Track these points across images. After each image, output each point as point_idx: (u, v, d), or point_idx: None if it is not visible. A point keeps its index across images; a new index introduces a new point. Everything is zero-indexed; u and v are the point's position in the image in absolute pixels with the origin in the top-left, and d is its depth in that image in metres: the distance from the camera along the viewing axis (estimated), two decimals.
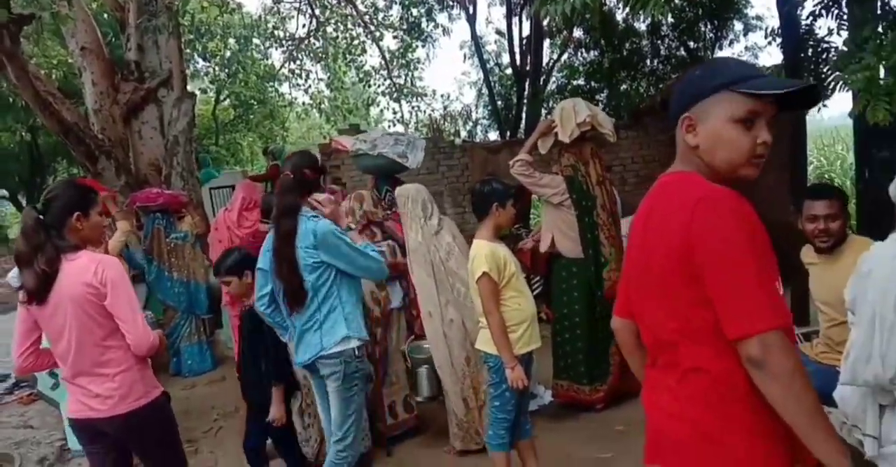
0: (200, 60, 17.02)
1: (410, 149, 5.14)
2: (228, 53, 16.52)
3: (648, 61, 11.95)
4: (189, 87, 8.62)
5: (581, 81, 12.25)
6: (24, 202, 22.70)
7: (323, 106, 17.09)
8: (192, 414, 5.32)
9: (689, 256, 1.50)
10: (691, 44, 11.55)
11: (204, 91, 18.33)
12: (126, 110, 7.73)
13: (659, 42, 11.62)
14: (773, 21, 9.13)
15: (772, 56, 20.00)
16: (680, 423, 1.60)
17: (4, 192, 23.95)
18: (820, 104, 7.36)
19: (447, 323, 4.03)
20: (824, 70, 6.43)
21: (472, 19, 12.76)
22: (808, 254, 3.39)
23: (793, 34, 6.48)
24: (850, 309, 2.30)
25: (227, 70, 17.00)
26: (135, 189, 7.02)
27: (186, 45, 12.72)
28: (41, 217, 2.59)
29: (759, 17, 11.63)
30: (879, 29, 5.40)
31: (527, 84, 12.17)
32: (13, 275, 4.79)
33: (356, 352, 3.06)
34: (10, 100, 13.86)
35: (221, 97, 18.76)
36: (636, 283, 1.75)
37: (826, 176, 13.95)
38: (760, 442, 1.51)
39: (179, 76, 8.05)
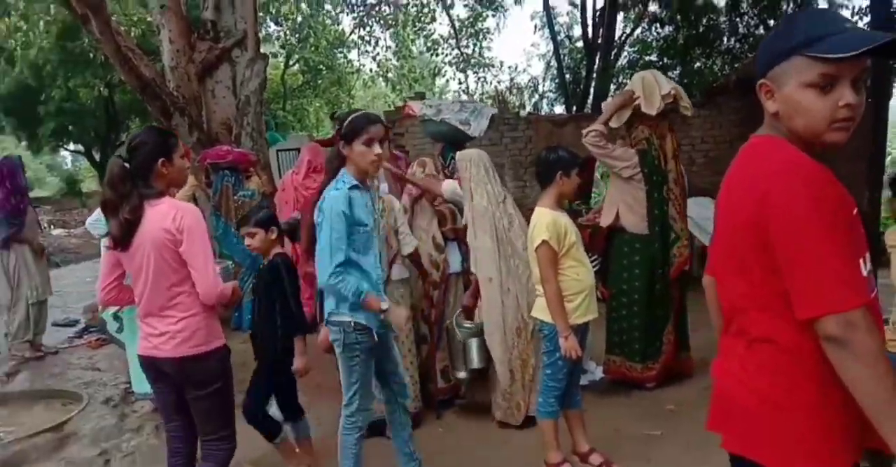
0: (272, 24, 17.23)
1: (475, 117, 5.15)
2: (300, 18, 16.66)
3: (725, 39, 11.60)
4: (261, 50, 8.73)
5: (654, 57, 11.99)
6: (97, 158, 23.47)
7: (389, 74, 17.14)
8: (249, 365, 5.47)
9: (763, 224, 1.45)
10: (771, 22, 11.14)
11: (274, 55, 18.54)
12: (201, 69, 7.88)
13: (738, 19, 11.25)
14: (862, 0, 8.73)
15: None
16: (747, 391, 1.57)
17: (80, 147, 24.83)
18: None
19: (505, 291, 4.03)
20: None
21: None
22: (892, 237, 3.27)
23: (882, 12, 6.19)
24: None
25: (297, 35, 17.17)
26: (206, 146, 7.19)
27: (261, 7, 12.88)
28: (126, 165, 2.66)
29: None
30: None
31: (597, 58, 11.96)
32: (91, 221, 5.00)
33: (353, 326, 3.01)
34: (91, 56, 14.34)
35: (291, 62, 18.98)
36: (718, 245, 1.71)
37: None
38: (824, 416, 1.48)
39: (253, 37, 8.16)
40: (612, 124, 4.54)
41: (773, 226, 1.43)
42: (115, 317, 4.60)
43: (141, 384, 4.68)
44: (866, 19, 6.71)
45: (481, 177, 4.09)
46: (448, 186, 4.32)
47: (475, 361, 4.10)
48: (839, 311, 1.35)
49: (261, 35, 10.11)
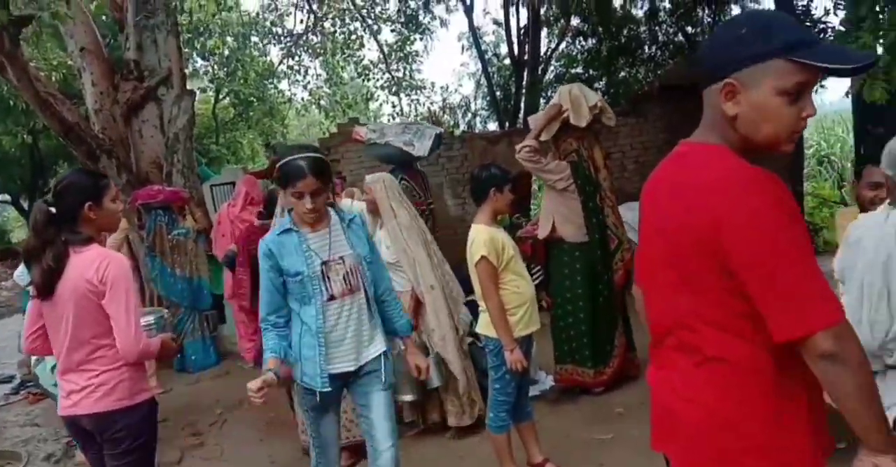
0: (199, 59, 17.02)
1: (418, 138, 5.31)
2: (227, 51, 16.50)
3: (646, 48, 11.95)
4: (188, 86, 8.64)
5: (579, 70, 12.26)
6: (25, 206, 22.76)
7: (322, 101, 17.11)
8: (198, 407, 5.38)
9: (720, 245, 1.38)
10: (689, 29, 11.55)
11: (203, 90, 18.31)
12: (126, 109, 7.74)
13: (657, 28, 11.62)
14: (771, 3, 9.11)
15: None
16: (696, 408, 1.53)
17: (6, 197, 24.03)
18: (818, 86, 7.37)
19: (446, 296, 4.14)
20: None
21: (469, 10, 12.78)
22: (844, 217, 3.40)
23: (789, 14, 6.47)
24: (840, 278, 2.32)
25: (225, 68, 16.99)
26: (136, 187, 7.05)
27: (185, 43, 12.76)
28: (52, 210, 2.52)
29: (756, 1, 11.60)
30: (876, 8, 5.39)
31: (525, 73, 12.19)
32: (18, 273, 4.85)
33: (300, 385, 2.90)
34: (11, 103, 13.92)
35: (221, 96, 18.75)
36: (647, 257, 1.65)
37: (827, 159, 13.94)
38: (782, 431, 1.45)
39: (179, 74, 8.06)
40: (542, 138, 4.64)
41: (735, 246, 1.36)
42: (53, 368, 4.43)
43: None
44: None
45: (396, 197, 4.15)
46: (345, 205, 4.39)
47: (435, 380, 4.09)
48: (829, 327, 1.31)
49: (187, 71, 9.99)
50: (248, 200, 6.16)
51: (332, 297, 2.72)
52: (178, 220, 6.42)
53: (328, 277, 2.71)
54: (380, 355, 2.88)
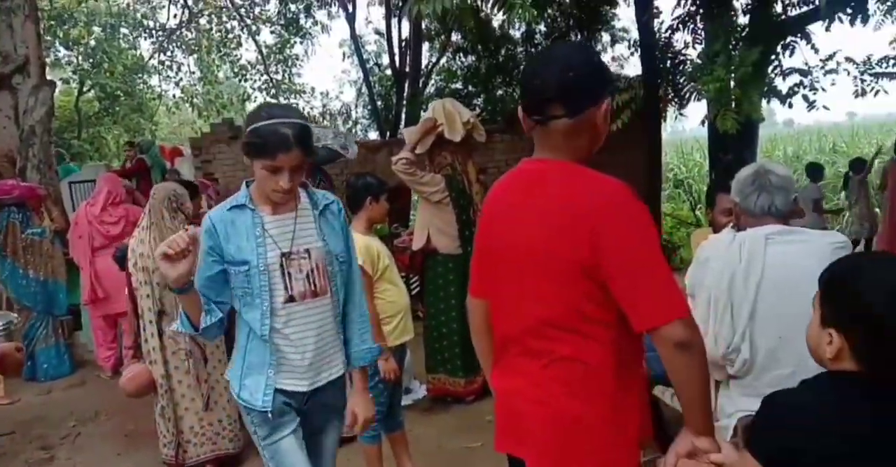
0: (62, 48, 16.02)
1: (350, 143, 5.90)
2: (93, 42, 15.63)
3: (523, 68, 12.36)
4: (49, 76, 8.12)
5: (459, 85, 12.49)
6: None
7: (196, 100, 16.52)
8: (49, 420, 5.03)
9: (589, 249, 1.54)
10: None
11: (66, 81, 17.25)
12: None
13: (533, 49, 12.02)
14: (635, 33, 9.68)
15: (636, 67, 21.09)
16: (544, 409, 1.66)
17: None
18: (676, 113, 7.92)
19: None
20: (680, 80, 6.91)
21: (351, 18, 12.75)
22: (698, 237, 3.66)
23: (650, 46, 6.92)
24: (690, 293, 2.51)
25: (91, 59, 16.07)
26: None
27: (46, 30, 11.98)
28: None
29: (625, 30, 12.26)
30: (730, 45, 5.88)
31: (406, 85, 12.29)
32: None
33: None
34: None
35: (85, 88, 17.70)
36: (497, 267, 1.77)
37: (684, 182, 14.92)
38: (623, 424, 1.64)
39: (37, 62, 7.55)
40: (418, 151, 4.70)
41: (614, 249, 1.53)
42: None
43: None
44: (638, 52, 7.46)
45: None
46: None
47: None
48: (684, 316, 1.50)
49: (48, 60, 9.39)
50: (109, 200, 5.83)
51: (290, 298, 2.19)
52: (32, 219, 5.99)
53: (288, 273, 2.19)
54: (338, 379, 2.38)
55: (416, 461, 3.66)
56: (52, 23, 13.79)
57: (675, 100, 7.25)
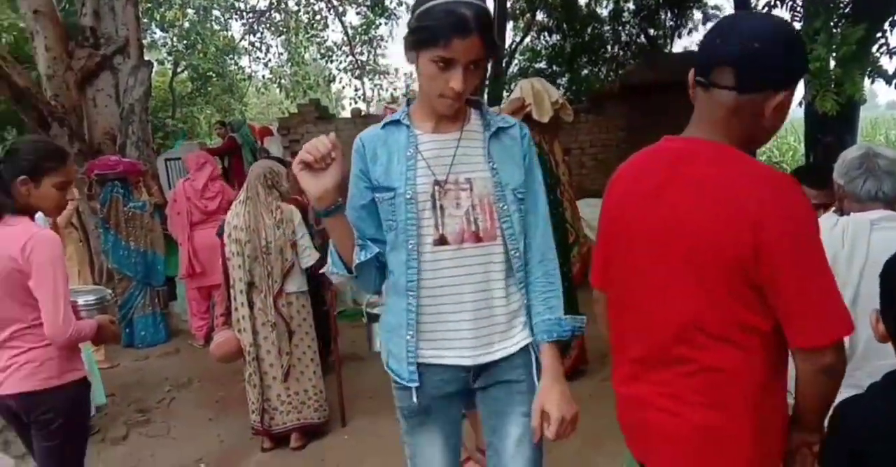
0: (158, 31, 16.63)
1: None
2: (187, 24, 16.16)
3: (609, 47, 12.10)
4: (146, 57, 8.44)
5: (543, 65, 12.36)
6: None
7: (283, 81, 16.89)
8: (146, 384, 5.30)
9: (751, 247, 1.35)
10: (651, 31, 11.73)
11: (161, 62, 17.91)
12: (80, 77, 7.52)
13: (620, 28, 11.78)
14: (731, 11, 9.31)
15: None
16: (676, 420, 1.50)
17: None
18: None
19: None
20: None
21: None
22: None
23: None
24: None
25: (185, 41, 16.64)
26: (88, 157, 6.88)
27: (144, 13, 12.44)
28: None
29: (717, 7, 11.86)
30: (831, 22, 5.58)
31: (489, 65, 12.23)
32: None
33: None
34: None
35: (179, 69, 18.37)
36: (627, 256, 1.58)
37: (779, 166, 14.36)
38: (767, 440, 1.49)
39: (136, 44, 7.87)
40: None
41: (778, 252, 1.34)
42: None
43: None
44: None
45: None
46: None
47: (376, 345, 4.08)
48: (836, 340, 1.36)
49: (145, 42, 9.77)
50: (208, 175, 6.05)
51: (441, 240, 1.73)
52: (133, 193, 6.28)
53: (440, 207, 1.74)
54: (524, 351, 1.84)
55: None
56: (150, 5, 14.31)
57: None
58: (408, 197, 1.72)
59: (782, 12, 6.59)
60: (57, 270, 2.33)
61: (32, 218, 2.46)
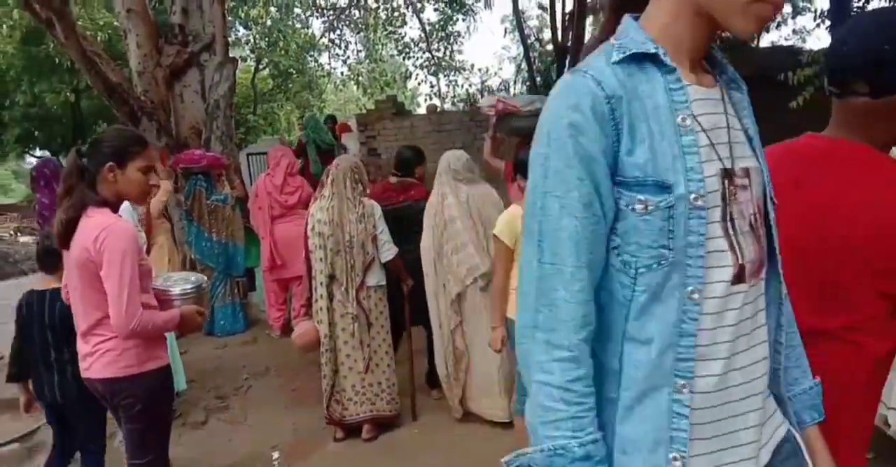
0: (242, 28, 17.10)
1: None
2: (269, 22, 16.56)
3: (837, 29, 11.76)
4: (230, 54, 8.67)
5: None
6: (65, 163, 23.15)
7: (361, 77, 17.11)
8: (224, 372, 5.45)
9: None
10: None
11: (244, 59, 18.42)
12: (169, 73, 7.80)
13: None
14: (823, 3, 8.91)
15: (820, 40, 19.55)
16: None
17: (47, 153, 24.45)
18: None
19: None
20: None
21: None
22: None
23: (844, 16, 6.31)
24: None
25: (267, 38, 17.06)
26: (175, 151, 7.12)
27: (229, 11, 12.78)
28: (83, 160, 2.44)
29: None
30: None
31: (567, 60, 12.06)
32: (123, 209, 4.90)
33: None
34: (57, 61, 14.13)
35: (261, 66, 18.86)
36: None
37: None
38: (857, 442, 1.46)
39: (222, 41, 8.10)
40: None
41: None
42: None
43: None
44: (828, 23, 6.84)
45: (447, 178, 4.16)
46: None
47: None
48: None
49: (230, 39, 10.04)
50: (288, 170, 6.17)
51: (740, 275, 1.05)
52: (216, 186, 6.48)
53: (731, 218, 1.06)
54: (789, 442, 1.18)
55: None
56: (234, 4, 14.72)
57: None
58: (695, 201, 1.00)
59: (882, 3, 6.26)
60: (125, 262, 2.34)
61: (115, 210, 2.52)
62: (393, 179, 4.73)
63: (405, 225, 4.34)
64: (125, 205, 3.97)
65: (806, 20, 11.49)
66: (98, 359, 2.46)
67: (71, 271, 2.45)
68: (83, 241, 2.35)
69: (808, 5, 11.47)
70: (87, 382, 2.56)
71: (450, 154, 4.24)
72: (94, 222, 2.37)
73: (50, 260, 3.07)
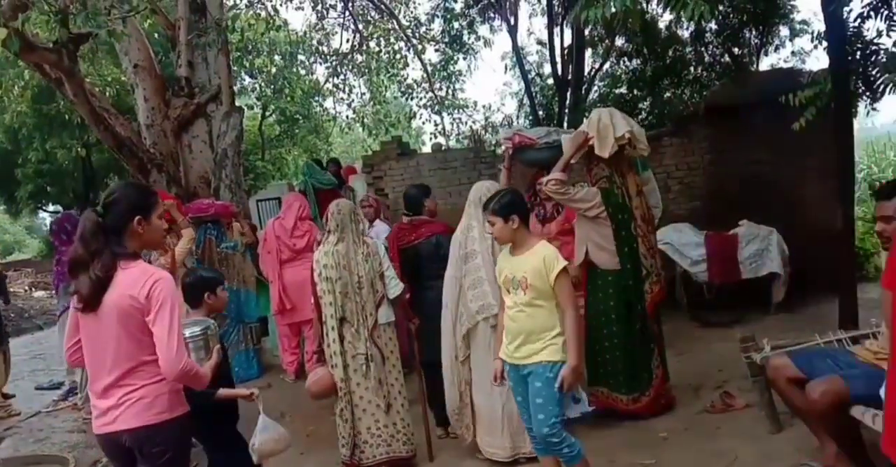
0: (247, 77, 17.39)
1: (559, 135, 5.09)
2: (274, 69, 16.83)
3: (692, 68, 11.82)
4: (237, 103, 8.82)
5: (623, 90, 12.19)
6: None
7: (366, 120, 17.30)
8: (242, 417, 5.41)
9: None
10: (736, 50, 11.40)
11: (250, 107, 18.69)
12: (177, 125, 7.96)
13: (703, 49, 11.48)
14: (820, 25, 8.97)
15: (819, 60, 19.67)
16: None
17: (59, 208, 24.75)
18: (869, 108, 7.23)
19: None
20: (873, 73, 6.29)
21: (513, 30, 12.82)
22: None
23: (840, 37, 6.37)
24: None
25: (272, 86, 17.32)
26: (185, 200, 7.21)
27: (234, 61, 13.05)
28: (101, 220, 2.50)
29: (805, 22, 11.45)
30: None
31: (568, 93, 12.16)
32: None
33: None
34: (67, 117, 14.41)
35: (267, 113, 19.12)
36: None
37: (878, 183, 13.61)
38: None
39: (228, 91, 8.26)
40: (573, 161, 4.58)
41: None
42: None
43: None
44: (825, 44, 6.89)
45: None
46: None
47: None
48: None
49: (236, 88, 10.23)
50: (299, 214, 6.23)
51: None
52: (226, 234, 6.54)
53: None
54: None
55: None
56: (239, 54, 15.00)
57: (867, 94, 6.63)
58: None
59: (876, 22, 6.30)
60: (174, 306, 2.45)
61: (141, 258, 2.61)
62: (404, 219, 4.77)
63: (424, 262, 4.39)
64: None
65: (804, 42, 11.55)
66: (127, 409, 2.48)
67: (103, 324, 2.47)
68: (127, 291, 2.43)
69: (806, 27, 11.54)
70: (107, 438, 2.55)
71: (480, 184, 4.26)
72: (137, 272, 2.47)
73: (195, 294, 3.39)
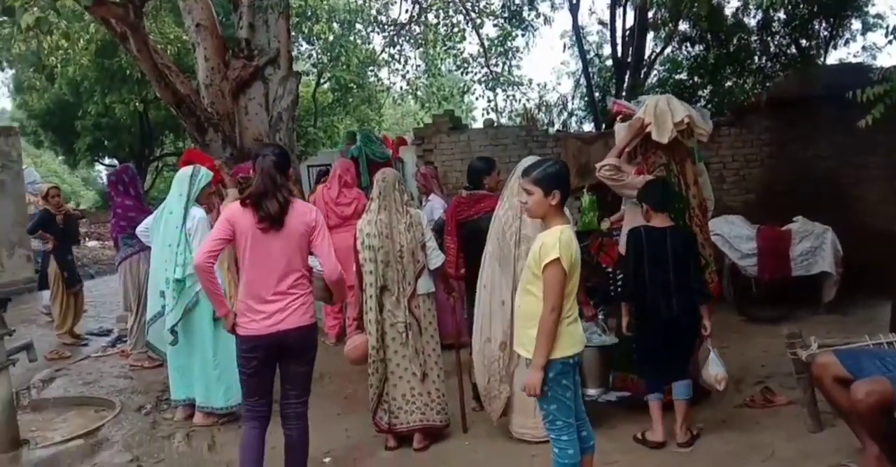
0: (305, 43, 17.49)
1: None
2: (332, 37, 16.88)
3: (756, 58, 11.52)
4: (294, 68, 8.88)
5: (683, 76, 11.97)
6: None
7: (419, 92, 17.26)
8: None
9: None
10: (803, 42, 11.07)
11: (306, 74, 18.79)
12: (235, 86, 8.04)
13: (769, 39, 11.20)
14: (893, 19, 8.67)
15: (891, 56, 18.97)
16: None
17: (115, 162, 25.33)
18: None
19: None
20: None
21: (574, 9, 12.66)
22: None
23: None
24: None
25: (329, 53, 17.39)
26: (239, 161, 7.32)
27: (293, 27, 13.09)
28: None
29: (880, 16, 11.06)
30: None
31: (626, 76, 11.98)
32: (142, 230, 5.08)
33: None
34: (127, 73, 14.70)
35: (322, 80, 19.23)
36: None
37: None
38: None
39: (286, 55, 8.32)
40: (628, 149, 4.48)
41: None
42: (173, 330, 4.62)
43: (179, 391, 4.75)
44: None
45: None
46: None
47: None
48: None
49: (293, 54, 10.26)
50: (342, 183, 6.29)
51: None
52: None
53: None
54: None
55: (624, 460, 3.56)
56: (298, 19, 15.05)
57: None
58: None
59: None
60: (328, 231, 3.39)
61: None
62: (463, 193, 4.74)
63: (482, 237, 4.20)
64: (202, 213, 4.67)
65: (877, 37, 11.14)
66: (293, 313, 3.22)
67: (280, 242, 3.18)
68: (302, 219, 3.24)
69: (880, 22, 11.14)
70: (270, 337, 3.18)
71: (527, 160, 4.15)
72: (300, 204, 3.33)
73: None
